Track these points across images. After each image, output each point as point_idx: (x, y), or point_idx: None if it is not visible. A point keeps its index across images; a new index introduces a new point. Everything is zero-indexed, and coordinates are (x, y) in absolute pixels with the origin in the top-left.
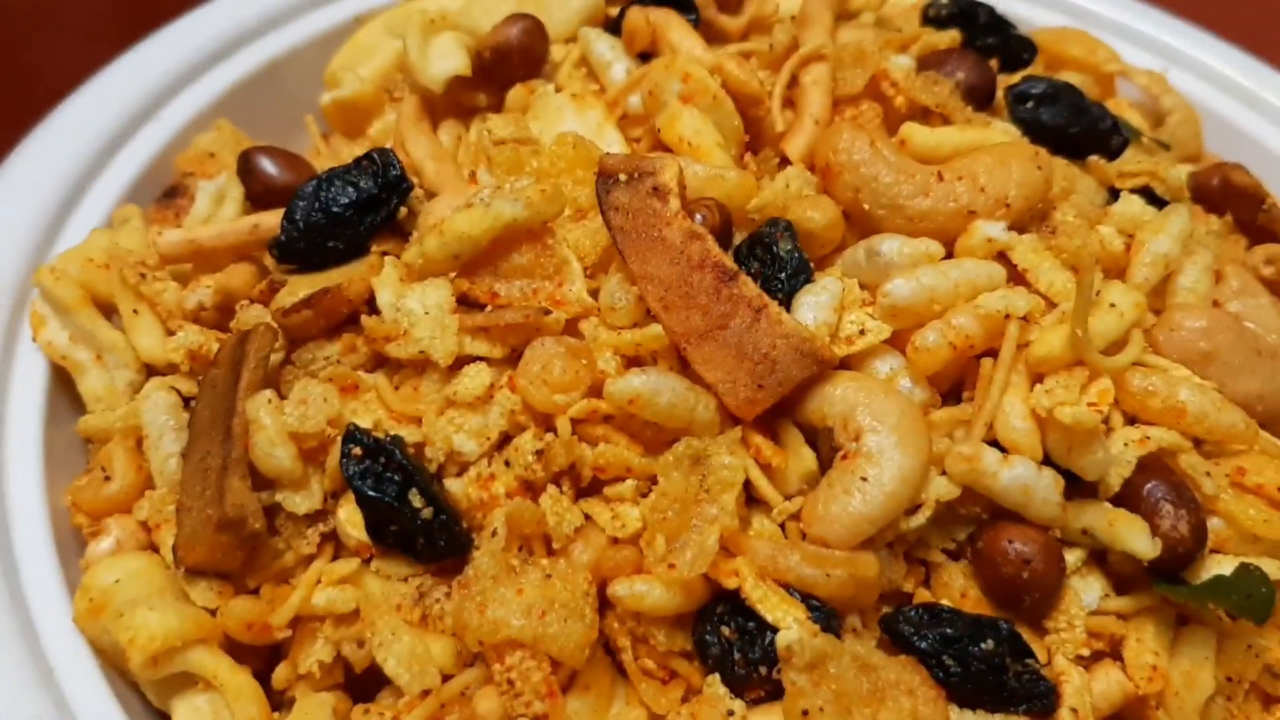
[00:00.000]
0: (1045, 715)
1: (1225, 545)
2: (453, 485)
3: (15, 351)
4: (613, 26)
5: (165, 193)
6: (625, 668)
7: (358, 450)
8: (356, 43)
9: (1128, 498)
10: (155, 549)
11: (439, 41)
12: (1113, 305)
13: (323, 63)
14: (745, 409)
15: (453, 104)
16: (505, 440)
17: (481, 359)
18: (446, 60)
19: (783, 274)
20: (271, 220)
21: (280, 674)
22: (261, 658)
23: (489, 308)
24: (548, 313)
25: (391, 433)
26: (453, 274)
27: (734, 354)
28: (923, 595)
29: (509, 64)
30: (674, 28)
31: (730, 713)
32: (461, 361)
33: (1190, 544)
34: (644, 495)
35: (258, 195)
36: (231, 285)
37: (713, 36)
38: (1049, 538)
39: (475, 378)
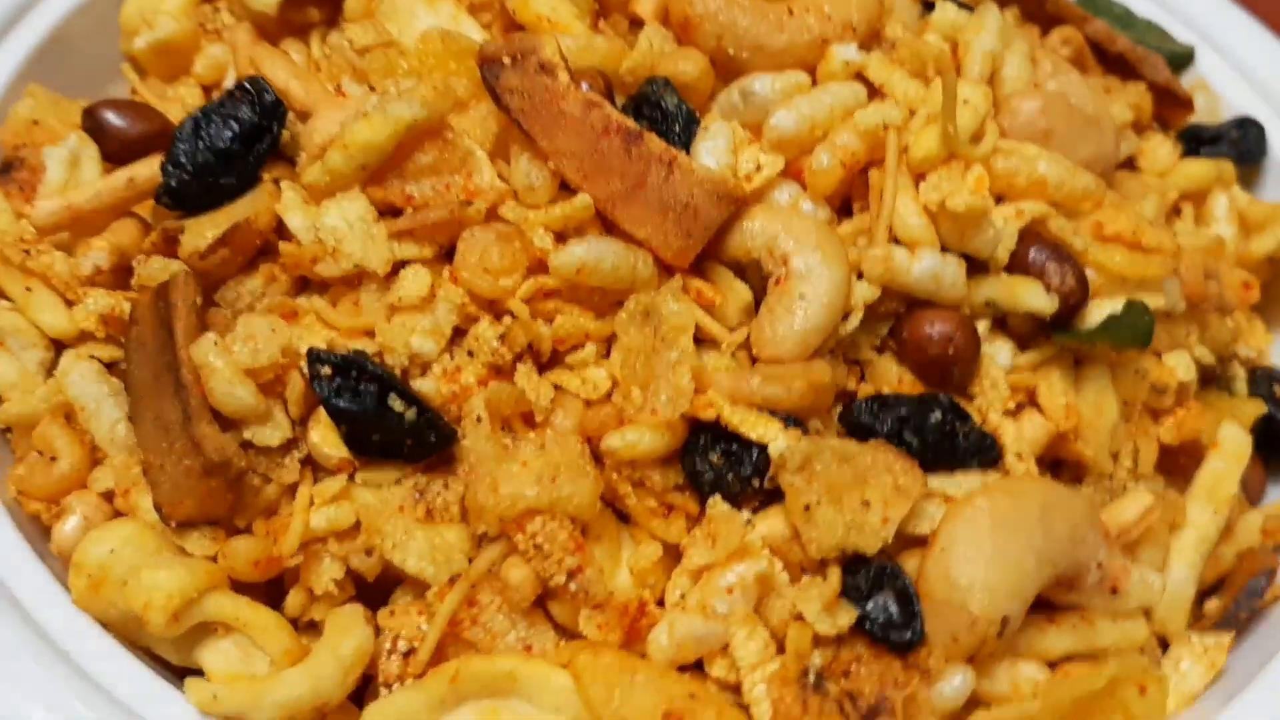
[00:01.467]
0: (994, 465)
1: (1100, 291)
2: (421, 385)
3: None
4: None
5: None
6: (630, 512)
7: (327, 370)
8: None
9: (1016, 267)
10: (122, 515)
11: None
12: (965, 101)
13: (112, 13)
14: (679, 257)
15: (284, 24)
16: (456, 334)
17: (411, 261)
18: None
19: (676, 126)
20: (146, 171)
21: (294, 601)
22: (262, 595)
23: (408, 211)
24: (469, 204)
25: (351, 348)
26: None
27: (657, 209)
28: (865, 390)
29: None
30: None
31: (748, 520)
32: (394, 268)
33: (1078, 294)
34: (603, 357)
35: (114, 151)
36: (123, 243)
37: None
38: (961, 314)
39: (416, 279)
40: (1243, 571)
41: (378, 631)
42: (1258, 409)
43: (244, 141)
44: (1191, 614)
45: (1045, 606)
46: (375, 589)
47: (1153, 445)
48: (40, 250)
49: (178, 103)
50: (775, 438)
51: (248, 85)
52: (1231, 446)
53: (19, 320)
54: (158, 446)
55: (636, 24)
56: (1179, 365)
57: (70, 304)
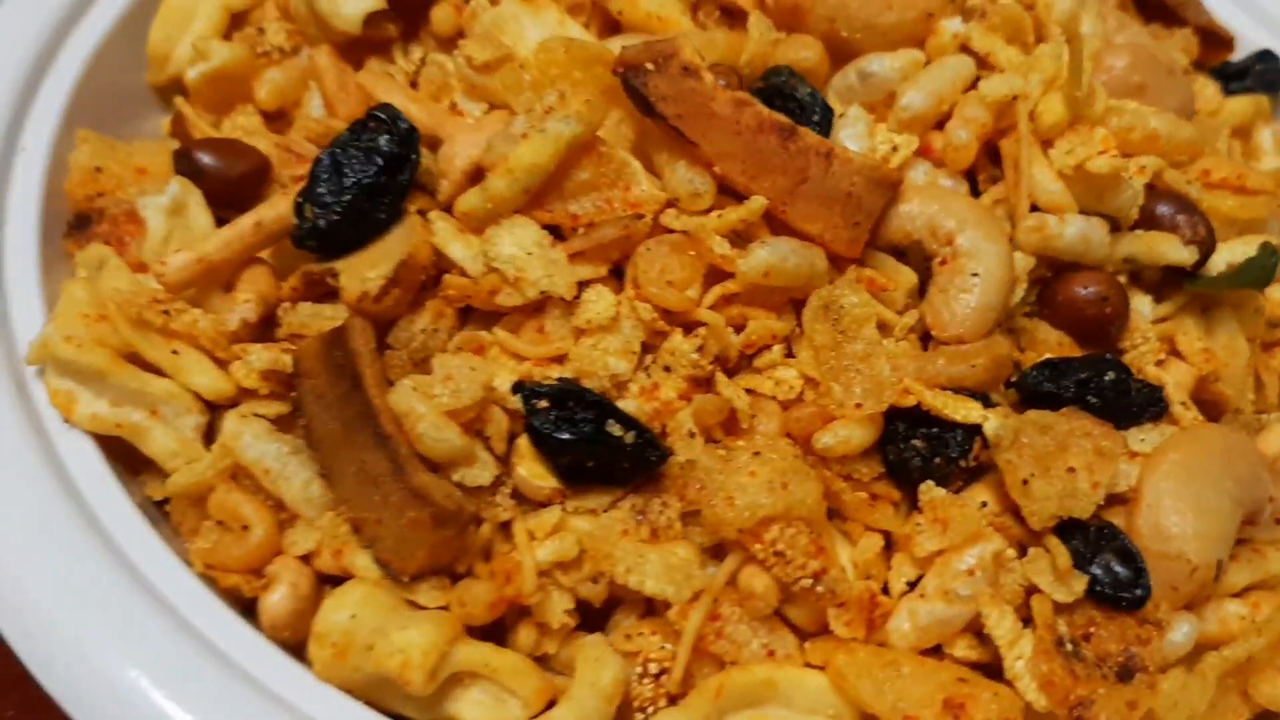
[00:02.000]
0: (1163, 416)
1: (1218, 231)
2: (624, 405)
3: (56, 439)
4: None
5: (74, 225)
6: (843, 507)
7: (544, 403)
8: (168, 10)
9: (1145, 222)
10: (326, 577)
11: None
12: (1076, 51)
13: (133, 46)
14: (851, 248)
15: (363, 42)
16: (643, 352)
17: (591, 282)
18: (355, 2)
19: (814, 116)
20: (273, 212)
21: (525, 638)
22: (479, 637)
23: (579, 230)
24: (639, 217)
25: (555, 377)
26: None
27: (822, 202)
28: (1029, 358)
29: None
30: None
31: (984, 504)
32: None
33: (1210, 242)
34: (787, 356)
35: (218, 193)
36: (263, 292)
37: None
38: (1109, 274)
39: (601, 299)
40: None
41: None
42: None
43: (388, 173)
44: None
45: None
46: (595, 614)
47: (1275, 378)
48: (179, 309)
49: (239, 132)
50: (984, 418)
51: (380, 114)
52: None
53: (169, 386)
54: (369, 501)
55: (727, 12)
56: None
57: (220, 363)
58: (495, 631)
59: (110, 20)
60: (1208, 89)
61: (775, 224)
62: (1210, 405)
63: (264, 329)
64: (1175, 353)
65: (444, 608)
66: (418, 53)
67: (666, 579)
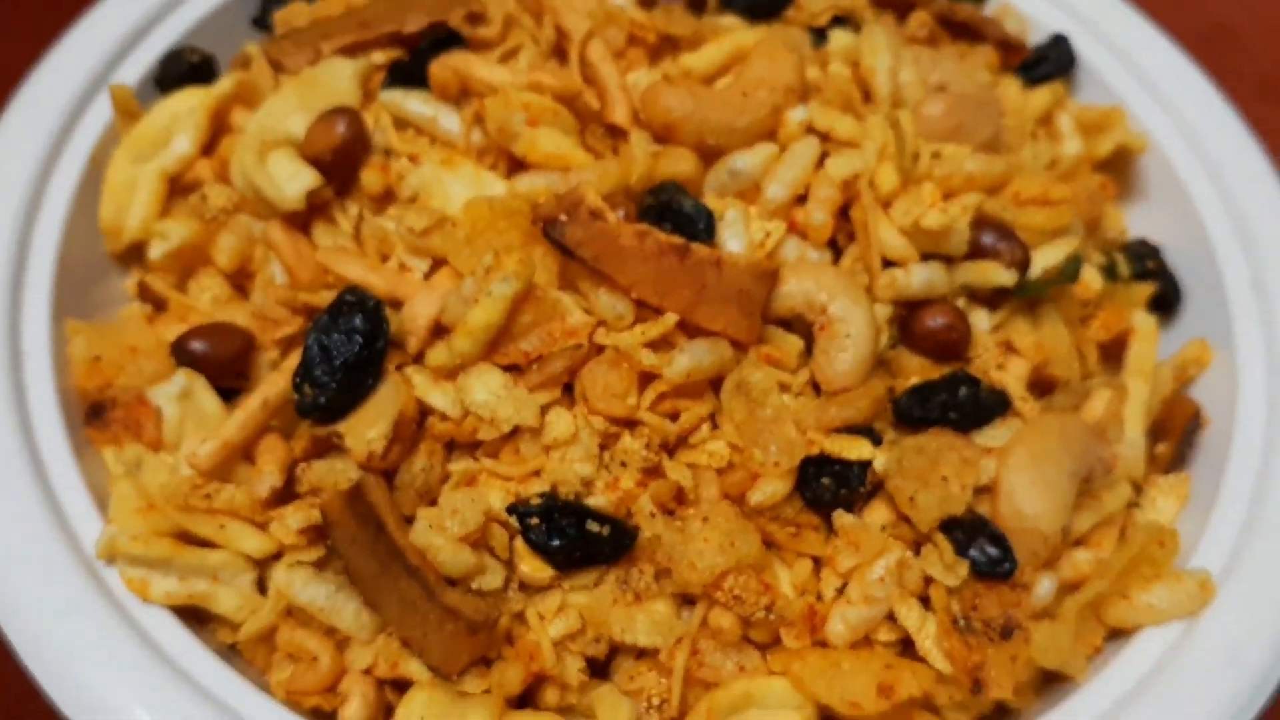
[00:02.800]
0: (1008, 411)
1: (1032, 242)
2: (593, 501)
3: (135, 615)
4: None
5: (92, 414)
6: (775, 542)
7: (535, 520)
8: (112, 185)
9: (975, 251)
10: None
11: (275, 163)
12: (901, 124)
13: (88, 220)
14: (749, 335)
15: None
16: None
17: (549, 405)
18: (296, 179)
19: (700, 225)
20: (275, 390)
21: (553, 697)
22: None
23: (529, 367)
24: (579, 346)
25: (541, 492)
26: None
27: (720, 303)
28: (900, 383)
29: (351, 158)
30: (476, 66)
31: (884, 526)
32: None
33: (1026, 259)
34: (713, 429)
35: (215, 373)
36: (280, 459)
37: (478, 47)
38: (951, 304)
39: (560, 420)
40: (1175, 418)
41: None
42: (1147, 290)
43: (367, 347)
44: (1148, 461)
45: None
46: (597, 664)
47: (1092, 348)
48: (216, 489)
49: (208, 293)
50: (871, 454)
51: (349, 297)
52: (1144, 329)
53: (223, 555)
54: (412, 621)
55: (610, 130)
56: (1091, 280)
57: (259, 525)
58: (528, 696)
59: (65, 207)
60: (1011, 89)
61: (688, 327)
62: (1046, 383)
63: (289, 488)
64: (1012, 349)
65: (487, 691)
66: (353, 209)
67: (654, 632)
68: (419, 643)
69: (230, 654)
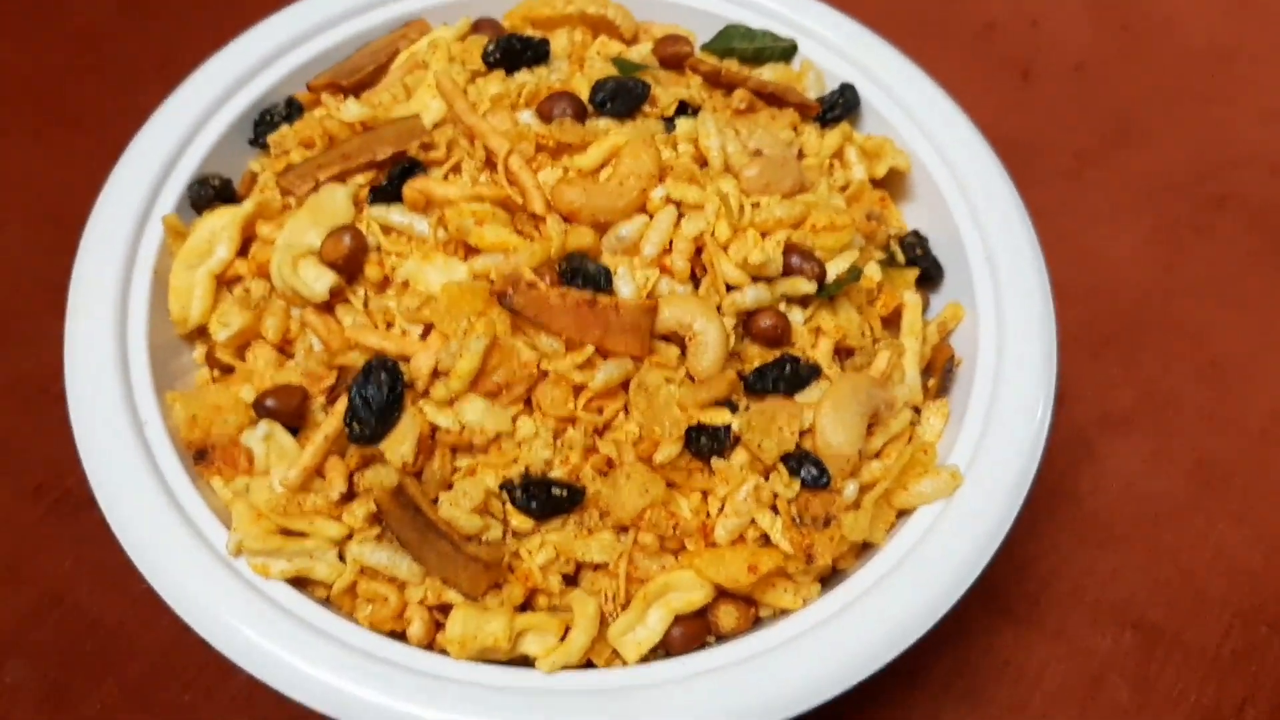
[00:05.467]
0: (819, 376)
1: (825, 259)
2: (554, 474)
3: (261, 588)
4: (383, 196)
5: (198, 457)
6: (677, 482)
7: (518, 491)
8: (175, 288)
9: (788, 271)
10: (435, 608)
11: (304, 269)
12: (728, 194)
13: (156, 318)
14: (643, 352)
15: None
16: (555, 441)
17: (517, 415)
18: (321, 280)
19: (600, 280)
20: (331, 429)
21: (542, 602)
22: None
23: (500, 392)
24: (531, 375)
25: (519, 473)
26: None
27: (621, 333)
28: (748, 367)
29: (357, 259)
30: (435, 187)
31: (743, 465)
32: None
33: (822, 271)
34: (626, 416)
35: (285, 420)
36: (344, 472)
37: (430, 165)
38: (775, 308)
39: (526, 425)
40: (938, 359)
41: None
42: (913, 273)
43: (392, 392)
44: (924, 391)
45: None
46: (569, 579)
47: (877, 320)
48: (304, 499)
49: (262, 359)
50: (730, 419)
51: (374, 362)
52: (912, 304)
53: (315, 540)
54: (447, 567)
55: (533, 217)
56: (872, 273)
57: (335, 518)
58: (527, 604)
59: (145, 308)
60: (811, 136)
61: (602, 351)
62: (846, 351)
63: (349, 490)
64: (821, 333)
65: (501, 604)
66: (361, 292)
67: (603, 552)
68: (453, 579)
69: (326, 605)
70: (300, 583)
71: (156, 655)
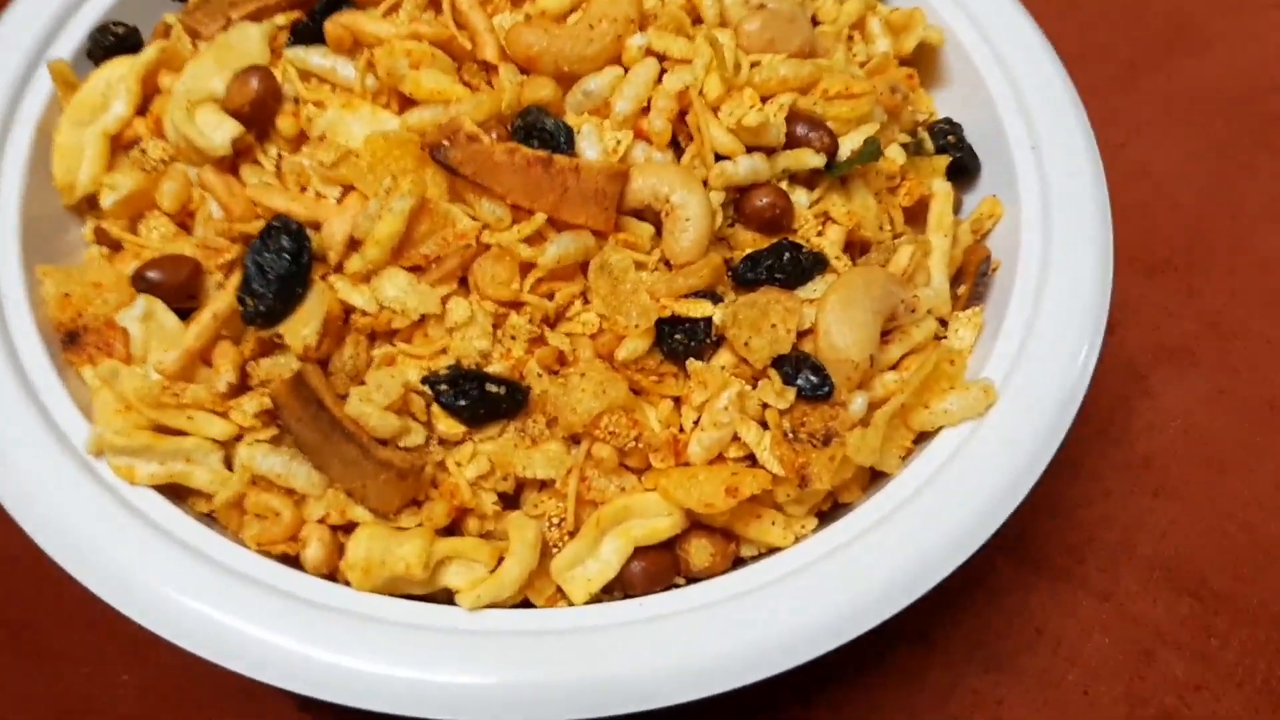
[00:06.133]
0: (826, 269)
1: (840, 132)
2: (493, 369)
3: (125, 496)
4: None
5: (67, 341)
6: (641, 388)
7: (444, 387)
8: (61, 148)
9: (791, 142)
10: (339, 529)
11: (202, 117)
12: (723, 43)
13: (36, 182)
14: (607, 225)
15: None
16: (495, 330)
17: (449, 295)
18: (221, 129)
19: (561, 139)
20: (221, 305)
21: (473, 525)
22: (443, 532)
23: (429, 266)
24: (468, 246)
25: (448, 366)
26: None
27: (580, 201)
28: (738, 255)
29: (266, 108)
30: (363, 21)
31: (723, 367)
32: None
33: (832, 144)
34: (585, 304)
35: (170, 296)
36: (234, 359)
37: (364, 5)
38: (773, 184)
39: (459, 307)
40: (971, 262)
41: None
42: (945, 160)
43: (295, 262)
44: (953, 300)
45: (882, 334)
46: (509, 499)
47: (899, 212)
48: (181, 388)
49: (156, 232)
50: (711, 311)
51: (276, 223)
52: (941, 193)
53: (194, 440)
54: (353, 475)
55: (485, 65)
56: (895, 155)
57: (221, 414)
58: (454, 527)
59: (20, 171)
60: (827, 2)
61: (556, 223)
62: (863, 245)
63: (242, 383)
64: (830, 220)
65: (419, 525)
66: (273, 150)
67: (549, 466)
68: (360, 492)
69: (209, 521)
70: (178, 494)
71: None
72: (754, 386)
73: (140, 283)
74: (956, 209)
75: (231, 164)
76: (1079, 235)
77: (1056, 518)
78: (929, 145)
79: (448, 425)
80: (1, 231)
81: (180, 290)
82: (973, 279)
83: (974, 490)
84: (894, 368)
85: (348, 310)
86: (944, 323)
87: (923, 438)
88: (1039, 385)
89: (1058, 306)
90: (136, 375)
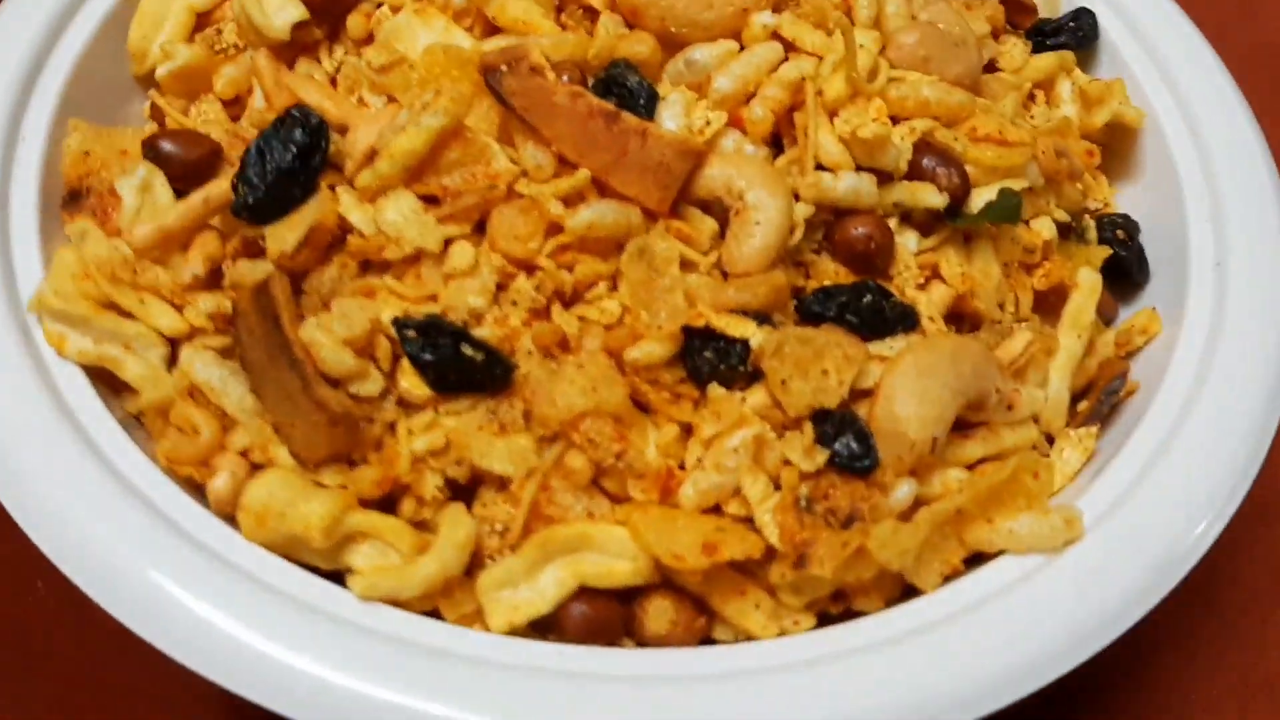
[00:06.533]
0: (914, 328)
1: (978, 180)
2: (480, 333)
3: (50, 368)
4: None
5: (68, 199)
6: (649, 404)
7: (412, 333)
8: (144, 14)
9: (914, 173)
10: (259, 466)
11: None
12: (861, 45)
13: (116, 42)
14: (660, 205)
15: (294, 45)
16: (498, 290)
17: (456, 238)
18: (285, 10)
19: (640, 101)
20: (216, 190)
21: (408, 508)
22: (377, 509)
23: (446, 199)
24: (494, 187)
25: (424, 313)
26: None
27: (638, 171)
28: (811, 285)
29: (340, 2)
30: None
31: (743, 399)
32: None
33: (962, 188)
34: (612, 291)
35: (179, 174)
36: (210, 252)
37: None
38: (877, 216)
39: (463, 252)
40: (1103, 378)
41: None
42: (1104, 252)
43: (302, 159)
44: (1069, 415)
45: (963, 426)
46: (463, 492)
47: (1028, 293)
48: (144, 268)
49: (202, 118)
50: (753, 334)
51: (295, 112)
52: (1086, 285)
53: (139, 327)
54: (285, 409)
55: (589, 10)
56: (1042, 228)
57: (177, 308)
58: (389, 507)
59: (96, 23)
60: (1015, 49)
61: (604, 189)
62: (971, 318)
63: (215, 281)
64: (938, 276)
65: (344, 487)
66: (339, 53)
67: (509, 460)
68: (287, 430)
69: (135, 423)
70: (114, 386)
71: None
72: (780, 436)
73: (150, 151)
74: (1109, 320)
75: (292, 58)
76: (1242, 381)
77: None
78: (1092, 234)
79: (412, 383)
80: (50, 74)
81: (193, 170)
82: (1098, 394)
83: (1017, 638)
84: (970, 469)
85: (345, 229)
86: (1051, 440)
87: (977, 561)
88: (1136, 543)
89: (1188, 458)
90: (104, 242)
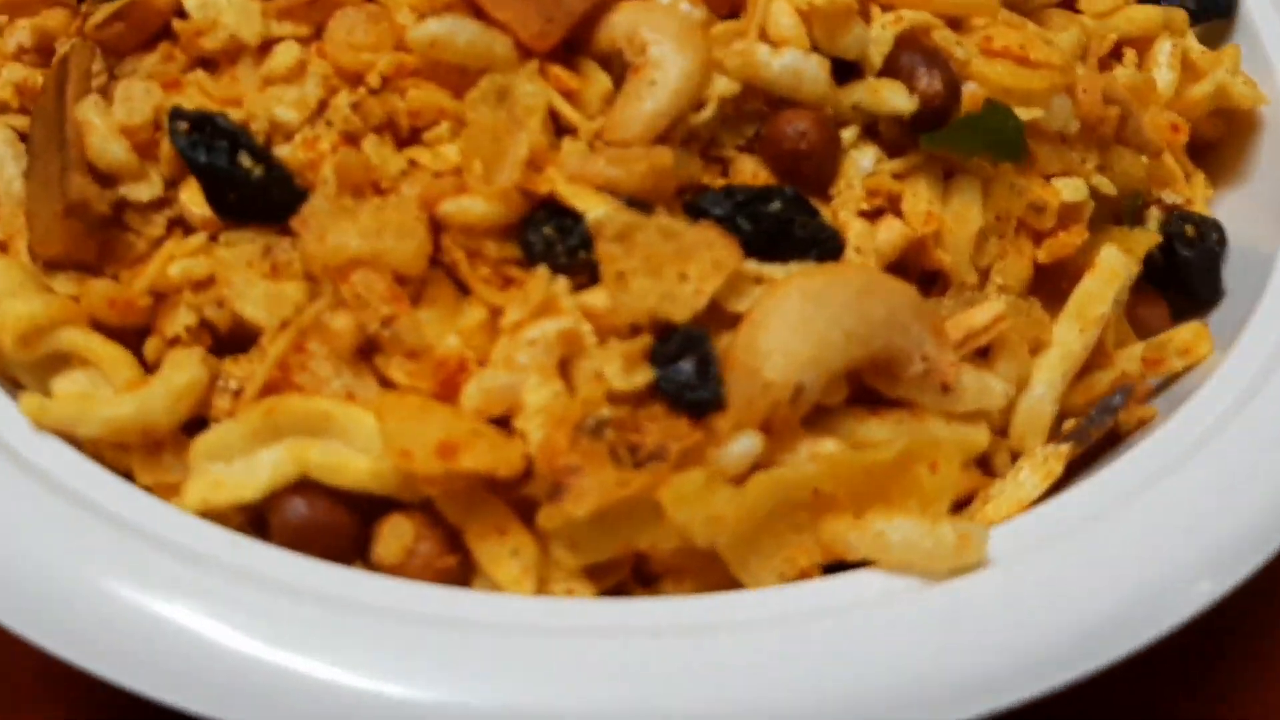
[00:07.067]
0: (832, 257)
1: (978, 104)
2: (280, 151)
3: None
4: None
5: None
6: (463, 279)
7: (184, 125)
8: None
9: (889, 70)
10: None
11: None
12: None
13: None
14: (538, 41)
15: None
16: (324, 109)
17: (285, 38)
18: None
19: None
20: None
21: (150, 346)
22: (129, 345)
23: None
24: None
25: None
26: None
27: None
28: (721, 183)
29: None
30: None
31: (571, 289)
32: (273, 45)
33: (944, 97)
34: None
35: None
36: (48, 26)
37: None
38: (820, 113)
39: (286, 53)
40: (1102, 391)
41: None
42: (1151, 238)
43: None
44: (1051, 434)
45: (876, 401)
46: (233, 345)
47: (1025, 264)
48: None
49: None
50: (598, 211)
51: None
52: (1106, 266)
53: None
54: (38, 195)
55: None
56: (1067, 188)
57: None
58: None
59: None
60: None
61: (477, 10)
62: (935, 277)
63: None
64: (890, 207)
65: (76, 300)
66: None
67: (264, 305)
68: (32, 220)
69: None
70: None
71: None
72: (603, 342)
73: None
74: (1146, 332)
75: None
76: None
77: None
78: (1152, 223)
79: (191, 198)
80: None
81: None
82: (1090, 414)
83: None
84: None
85: (179, 12)
86: (1014, 458)
87: (835, 569)
88: (1059, 596)
89: (1188, 513)
90: None
